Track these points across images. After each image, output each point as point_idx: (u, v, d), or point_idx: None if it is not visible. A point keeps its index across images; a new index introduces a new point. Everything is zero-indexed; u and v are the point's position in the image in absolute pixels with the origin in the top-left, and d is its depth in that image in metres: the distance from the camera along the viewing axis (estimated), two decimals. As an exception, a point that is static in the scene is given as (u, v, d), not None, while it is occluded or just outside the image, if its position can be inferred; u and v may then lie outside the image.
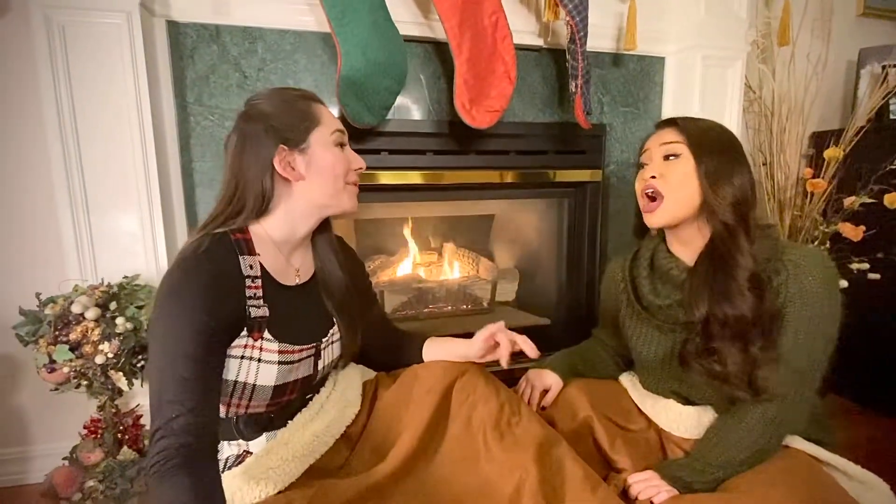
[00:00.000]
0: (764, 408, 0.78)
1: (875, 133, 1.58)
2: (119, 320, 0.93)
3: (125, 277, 1.03)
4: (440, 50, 1.30)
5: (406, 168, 1.31)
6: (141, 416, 1.06)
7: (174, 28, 1.12)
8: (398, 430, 0.82)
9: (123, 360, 0.94)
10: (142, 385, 1.00)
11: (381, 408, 0.88)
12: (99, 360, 0.92)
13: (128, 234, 1.07)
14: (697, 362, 0.83)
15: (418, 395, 0.84)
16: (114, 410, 1.01)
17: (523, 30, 1.31)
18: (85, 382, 0.94)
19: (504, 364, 0.85)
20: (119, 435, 1.01)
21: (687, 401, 0.92)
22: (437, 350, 0.94)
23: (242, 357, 0.73)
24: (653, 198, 0.87)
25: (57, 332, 0.91)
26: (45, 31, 0.97)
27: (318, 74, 1.22)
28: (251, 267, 0.75)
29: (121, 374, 0.95)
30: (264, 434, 0.80)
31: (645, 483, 0.79)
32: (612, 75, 1.46)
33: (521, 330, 0.88)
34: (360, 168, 0.85)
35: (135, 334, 0.95)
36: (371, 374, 0.98)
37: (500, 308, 1.77)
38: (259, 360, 0.74)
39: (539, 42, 1.35)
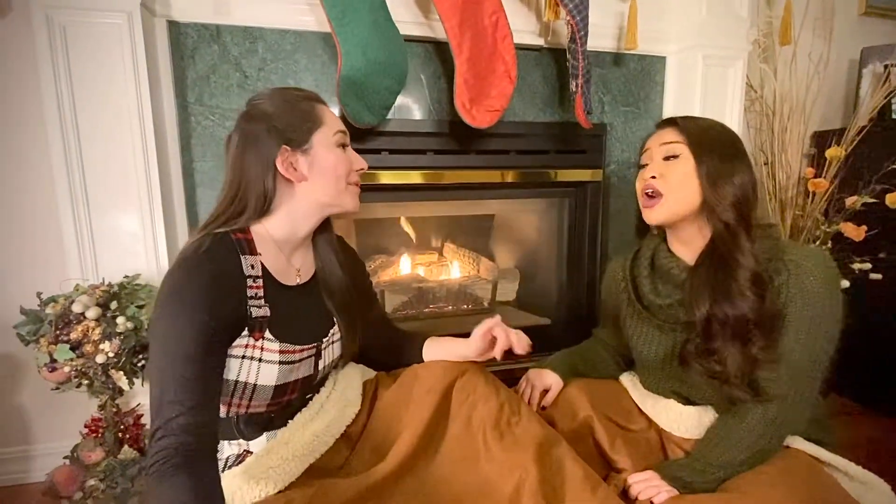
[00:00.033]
0: (764, 408, 0.78)
1: (877, 132, 1.57)
2: (120, 320, 0.94)
3: (126, 277, 1.03)
4: (440, 49, 1.30)
5: (406, 168, 1.31)
6: (142, 415, 1.06)
7: (175, 28, 1.12)
8: (398, 429, 0.82)
9: (124, 359, 0.94)
10: (142, 384, 1.00)
11: (381, 407, 0.88)
12: (100, 359, 0.92)
13: (128, 233, 1.07)
14: (698, 362, 0.82)
15: (418, 394, 0.84)
16: (114, 410, 1.02)
17: (524, 29, 1.31)
18: (86, 382, 0.94)
19: (497, 356, 0.85)
20: (120, 434, 1.02)
21: (687, 401, 0.91)
22: (436, 350, 0.94)
23: (243, 357, 0.73)
24: (652, 196, 0.87)
25: (58, 332, 0.91)
26: (47, 31, 0.98)
27: (319, 74, 1.22)
28: (252, 267, 0.75)
29: (121, 373, 0.95)
30: (264, 434, 0.80)
31: (645, 483, 0.79)
32: (612, 75, 1.46)
33: (521, 330, 0.88)
34: (362, 168, 0.85)
35: (135, 334, 0.95)
36: (371, 373, 0.98)
37: (500, 308, 1.77)
38: (260, 360, 0.74)
39: (539, 41, 1.35)
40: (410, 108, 1.31)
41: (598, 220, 1.53)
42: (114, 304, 0.95)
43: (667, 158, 0.85)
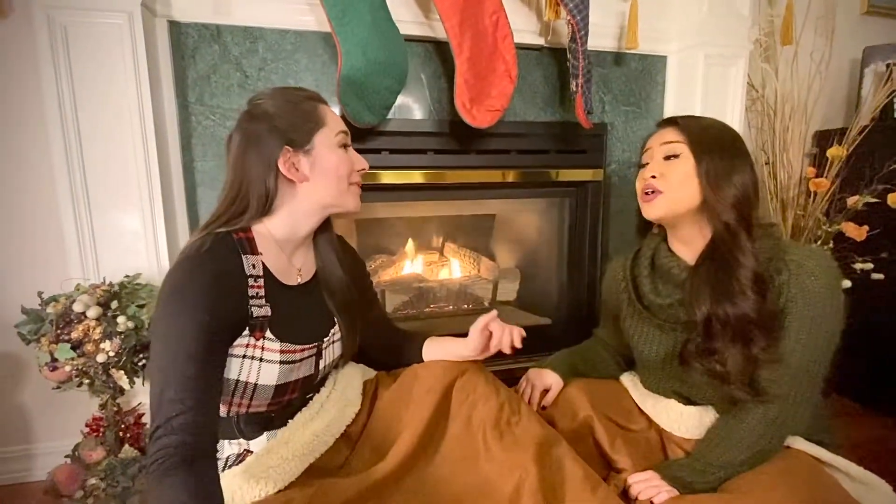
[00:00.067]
0: (765, 408, 0.78)
1: (879, 132, 1.57)
2: (120, 319, 0.94)
3: (126, 276, 1.04)
4: (441, 49, 1.29)
5: (407, 167, 1.31)
6: (142, 414, 1.07)
7: (175, 28, 1.12)
8: (398, 429, 0.82)
9: (125, 358, 0.94)
10: (143, 384, 1.01)
11: (381, 407, 0.88)
12: (100, 358, 0.92)
13: (129, 233, 1.07)
14: (698, 362, 0.82)
15: (418, 394, 0.84)
16: (115, 409, 1.02)
17: (524, 29, 1.31)
18: (87, 381, 0.95)
19: (495, 350, 0.86)
20: (120, 433, 1.02)
21: (688, 401, 0.91)
22: (436, 350, 0.94)
23: (244, 356, 0.73)
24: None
25: (59, 331, 0.91)
26: (48, 31, 0.98)
27: (319, 74, 1.22)
28: (254, 266, 0.75)
29: (122, 372, 0.96)
30: (265, 433, 0.80)
31: (645, 483, 0.79)
32: (613, 74, 1.46)
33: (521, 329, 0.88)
34: (363, 169, 0.85)
35: (136, 333, 0.95)
36: (371, 373, 0.98)
37: (501, 308, 1.76)
38: (261, 360, 0.74)
39: (540, 41, 1.35)
40: (411, 107, 1.31)
41: (599, 219, 1.53)
42: (114, 304, 0.95)
43: (667, 158, 0.85)
